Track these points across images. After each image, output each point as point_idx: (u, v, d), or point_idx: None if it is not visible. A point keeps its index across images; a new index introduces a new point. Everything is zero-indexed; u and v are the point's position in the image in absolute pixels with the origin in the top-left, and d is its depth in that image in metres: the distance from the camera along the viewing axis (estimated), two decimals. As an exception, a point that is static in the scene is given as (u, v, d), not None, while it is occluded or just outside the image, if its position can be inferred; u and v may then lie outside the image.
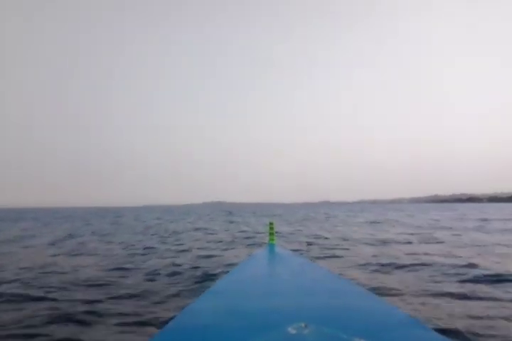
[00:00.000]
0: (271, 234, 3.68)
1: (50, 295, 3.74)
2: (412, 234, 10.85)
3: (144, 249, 7.95)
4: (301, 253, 6.48)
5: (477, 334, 2.55)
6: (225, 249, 7.72)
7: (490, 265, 5.13)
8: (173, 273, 4.83)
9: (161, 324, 2.64)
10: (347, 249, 7.36)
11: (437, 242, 8.56)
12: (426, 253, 6.48)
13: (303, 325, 1.12)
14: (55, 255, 7.19)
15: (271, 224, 3.69)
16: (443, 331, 2.45)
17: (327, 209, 55.65)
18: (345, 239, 9.44)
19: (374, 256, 6.31)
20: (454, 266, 4.99)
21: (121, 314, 3.10)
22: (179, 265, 5.54)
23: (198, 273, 4.81)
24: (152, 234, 12.27)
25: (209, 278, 4.44)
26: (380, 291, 3.60)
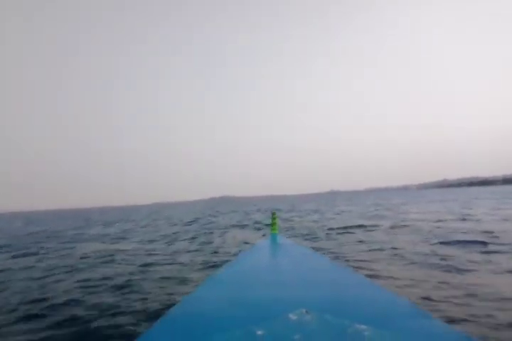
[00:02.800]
0: (273, 224, 3.67)
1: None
2: None
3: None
4: (304, 243, 6.43)
5: None
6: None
7: None
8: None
9: (162, 311, 2.65)
10: None
11: None
12: None
13: (304, 311, 1.13)
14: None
15: (273, 214, 3.68)
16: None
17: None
18: None
19: None
20: None
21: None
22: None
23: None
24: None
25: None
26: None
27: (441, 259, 4.58)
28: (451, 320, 2.49)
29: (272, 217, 3.69)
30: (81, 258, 6.49)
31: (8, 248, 9.38)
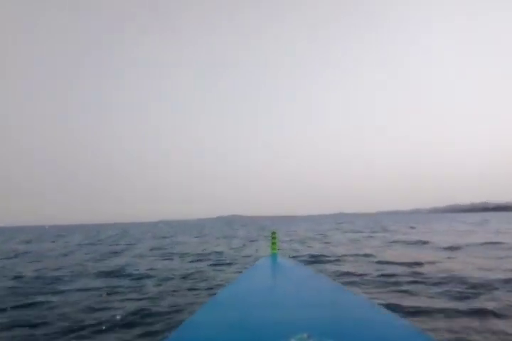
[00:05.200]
0: (273, 243, 3.64)
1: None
2: None
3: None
4: (304, 263, 6.30)
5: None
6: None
7: None
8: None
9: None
10: None
11: None
12: None
13: (305, 336, 1.11)
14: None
15: (273, 233, 3.66)
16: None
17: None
18: None
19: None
20: None
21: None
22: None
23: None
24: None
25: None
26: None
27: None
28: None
29: (271, 236, 3.66)
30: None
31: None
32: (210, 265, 7.42)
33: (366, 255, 8.33)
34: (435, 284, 4.70)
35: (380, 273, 5.66)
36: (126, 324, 3.31)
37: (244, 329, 1.36)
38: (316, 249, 10.46)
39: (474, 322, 3.12)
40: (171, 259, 8.84)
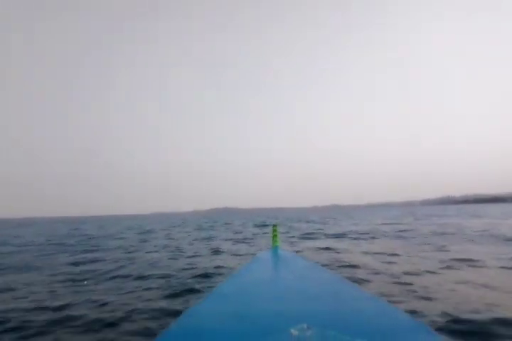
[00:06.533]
0: (274, 236, 3.65)
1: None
2: None
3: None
4: (306, 256, 6.33)
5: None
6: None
7: None
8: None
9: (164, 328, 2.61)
10: None
11: None
12: None
13: (305, 326, 1.11)
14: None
15: (274, 226, 3.67)
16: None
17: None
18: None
19: None
20: None
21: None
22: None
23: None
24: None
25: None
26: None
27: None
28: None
29: (272, 229, 3.67)
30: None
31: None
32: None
33: None
34: None
35: None
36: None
37: (245, 320, 1.36)
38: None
39: None
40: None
